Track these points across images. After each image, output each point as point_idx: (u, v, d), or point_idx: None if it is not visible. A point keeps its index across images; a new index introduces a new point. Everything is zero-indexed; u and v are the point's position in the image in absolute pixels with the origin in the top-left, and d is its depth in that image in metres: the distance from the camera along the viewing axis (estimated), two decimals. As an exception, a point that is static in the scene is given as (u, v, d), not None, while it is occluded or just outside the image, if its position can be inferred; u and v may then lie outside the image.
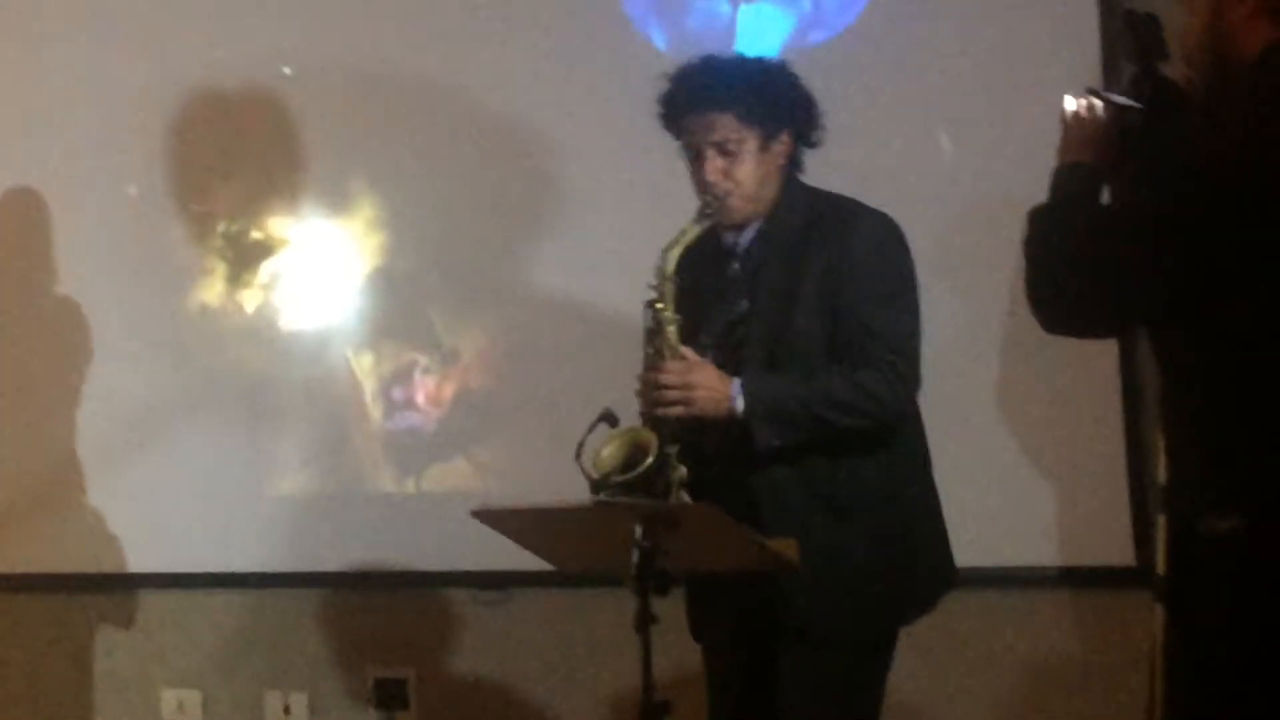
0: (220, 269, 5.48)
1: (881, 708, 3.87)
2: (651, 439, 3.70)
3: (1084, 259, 3.03)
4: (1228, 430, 2.93)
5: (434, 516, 5.25)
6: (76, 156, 5.54)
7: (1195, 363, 2.98)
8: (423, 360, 5.32)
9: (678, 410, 3.71)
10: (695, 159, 3.84)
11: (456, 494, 5.20)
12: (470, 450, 5.31)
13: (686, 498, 3.71)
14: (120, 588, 5.65)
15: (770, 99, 3.82)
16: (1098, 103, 3.20)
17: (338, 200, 5.38)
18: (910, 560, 3.85)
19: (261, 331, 5.45)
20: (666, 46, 4.97)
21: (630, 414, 3.80)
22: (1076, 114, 3.22)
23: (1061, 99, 3.24)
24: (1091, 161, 3.18)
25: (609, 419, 3.75)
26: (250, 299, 5.46)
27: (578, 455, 3.69)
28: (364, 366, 5.39)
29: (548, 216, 5.14)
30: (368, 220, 5.36)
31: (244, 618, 5.64)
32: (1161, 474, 3.23)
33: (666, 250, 3.78)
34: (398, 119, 5.30)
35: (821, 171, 3.96)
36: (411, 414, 5.34)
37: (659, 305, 3.78)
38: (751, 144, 3.80)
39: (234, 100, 5.41)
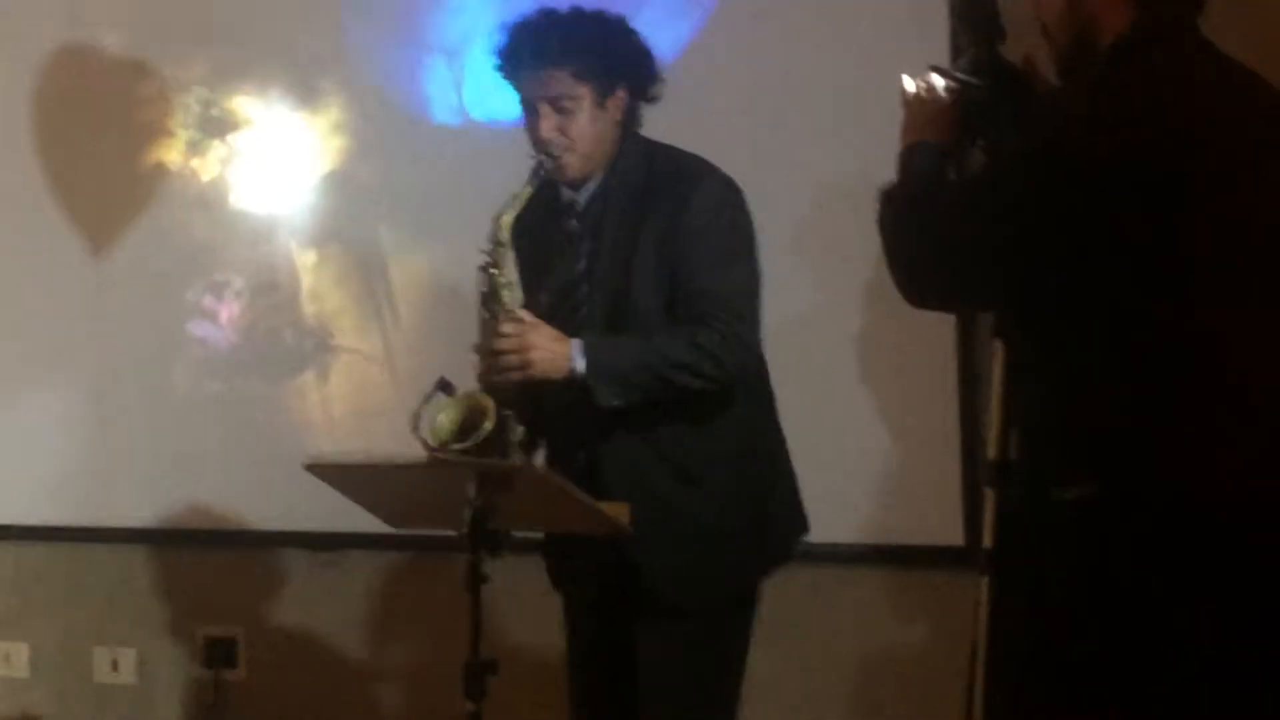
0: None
1: (744, 670, 3.88)
2: (489, 403, 3.65)
3: (933, 238, 3.06)
4: (1080, 399, 2.97)
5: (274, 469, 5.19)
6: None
7: (1048, 335, 3.03)
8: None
9: (515, 375, 3.69)
10: (530, 114, 3.80)
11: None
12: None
13: (524, 458, 3.71)
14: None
15: (606, 54, 3.78)
16: (938, 81, 3.24)
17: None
18: (762, 518, 3.86)
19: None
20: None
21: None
22: (916, 94, 3.26)
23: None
24: (934, 140, 3.22)
25: (445, 387, 3.69)
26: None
27: (414, 426, 3.63)
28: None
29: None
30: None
31: (73, 572, 5.58)
32: (991, 450, 3.28)
33: (499, 215, 3.74)
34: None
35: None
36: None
37: (493, 270, 3.74)
38: (586, 100, 3.76)
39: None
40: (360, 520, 3.84)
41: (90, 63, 5.44)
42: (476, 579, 3.45)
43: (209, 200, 5.37)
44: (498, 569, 3.51)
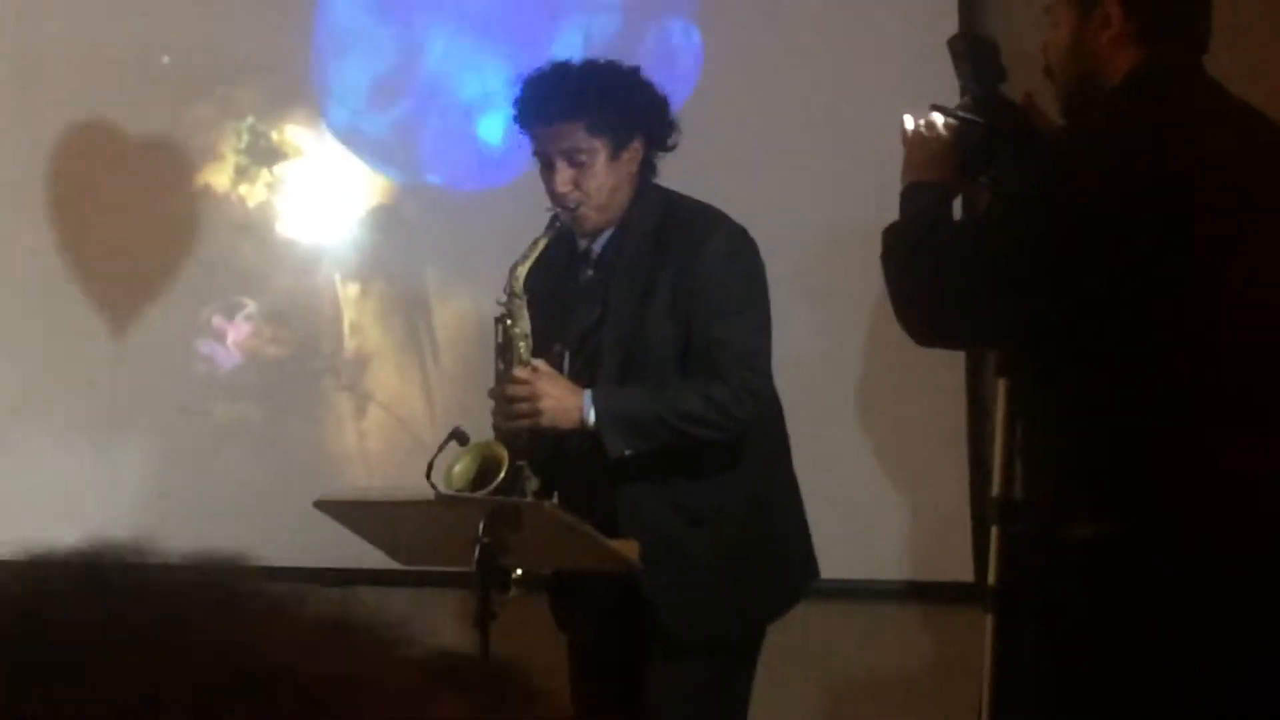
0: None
1: (747, 711, 3.89)
2: (503, 453, 3.68)
3: (935, 276, 3.08)
4: (1088, 437, 2.99)
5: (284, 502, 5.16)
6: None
7: (1054, 373, 3.04)
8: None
9: (525, 422, 3.70)
10: (545, 168, 3.80)
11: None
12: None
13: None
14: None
15: (620, 106, 3.77)
16: (938, 120, 3.25)
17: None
18: (771, 561, 3.87)
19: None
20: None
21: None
22: (917, 133, 3.27)
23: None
24: (936, 179, 3.23)
25: (459, 437, 3.72)
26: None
27: (429, 474, 3.64)
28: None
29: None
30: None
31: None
32: (995, 487, 3.29)
33: (515, 267, 3.76)
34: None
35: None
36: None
37: (508, 321, 3.76)
38: (601, 153, 3.75)
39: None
40: (368, 555, 3.85)
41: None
42: (485, 616, 3.46)
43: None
44: (506, 606, 3.53)
